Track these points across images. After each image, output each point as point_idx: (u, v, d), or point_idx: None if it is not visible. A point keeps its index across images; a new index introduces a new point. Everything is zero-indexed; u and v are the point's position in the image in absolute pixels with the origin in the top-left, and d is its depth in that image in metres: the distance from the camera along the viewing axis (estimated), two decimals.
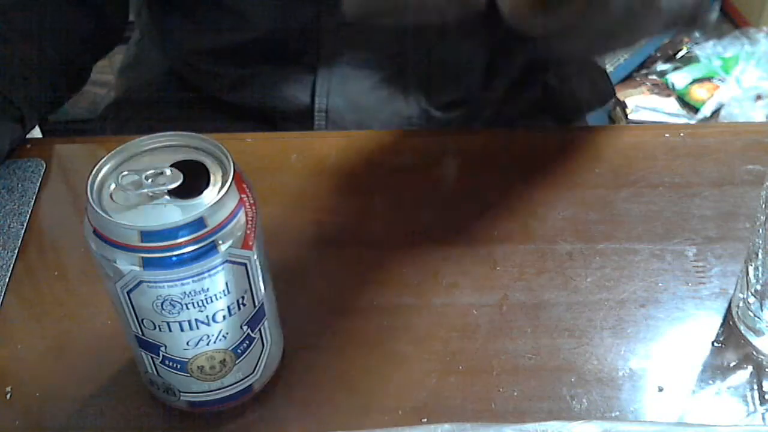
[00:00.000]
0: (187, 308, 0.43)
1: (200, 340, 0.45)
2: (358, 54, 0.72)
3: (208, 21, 0.74)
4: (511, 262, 0.57)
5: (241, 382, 0.49)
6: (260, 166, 0.64)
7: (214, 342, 0.46)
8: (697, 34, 1.86)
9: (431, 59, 0.73)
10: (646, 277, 0.56)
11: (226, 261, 0.43)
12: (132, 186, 0.42)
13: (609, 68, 1.77)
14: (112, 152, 0.44)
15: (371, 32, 0.71)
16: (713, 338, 0.53)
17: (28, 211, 0.62)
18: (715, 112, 1.76)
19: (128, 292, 0.43)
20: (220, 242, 0.42)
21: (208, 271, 0.42)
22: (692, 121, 1.75)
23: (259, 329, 0.48)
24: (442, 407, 0.50)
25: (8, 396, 0.51)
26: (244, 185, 0.44)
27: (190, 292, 0.43)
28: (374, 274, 0.57)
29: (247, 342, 0.47)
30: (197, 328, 0.45)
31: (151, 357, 0.46)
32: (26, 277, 0.58)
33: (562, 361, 0.52)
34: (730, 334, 0.53)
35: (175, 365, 0.46)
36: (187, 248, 0.41)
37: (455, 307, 0.55)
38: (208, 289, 0.43)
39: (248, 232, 0.44)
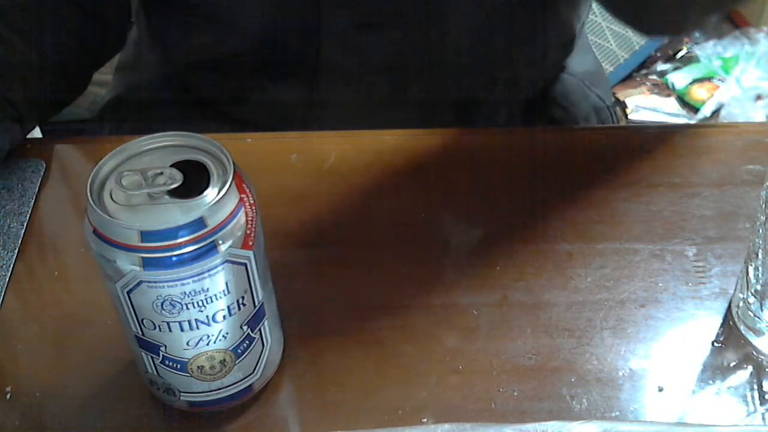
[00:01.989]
0: (187, 308, 0.43)
1: (200, 340, 0.45)
2: (357, 69, 0.73)
3: (203, 31, 0.74)
4: (511, 262, 0.57)
5: (241, 382, 0.49)
6: (260, 166, 0.64)
7: (214, 342, 0.46)
8: (697, 34, 1.86)
9: (432, 80, 0.73)
10: (646, 277, 0.56)
11: (226, 261, 0.43)
12: (132, 186, 0.42)
13: (609, 68, 1.77)
14: (112, 152, 0.44)
15: (370, 49, 0.71)
16: (713, 338, 0.53)
17: (28, 211, 0.62)
18: (715, 112, 1.76)
19: (128, 292, 0.43)
20: (220, 242, 0.42)
21: (208, 271, 0.42)
22: (692, 121, 1.75)
23: (259, 329, 0.48)
24: (442, 407, 0.50)
25: (8, 396, 0.51)
26: (244, 185, 0.44)
27: (190, 292, 0.43)
28: (374, 274, 0.57)
29: (247, 342, 0.47)
30: (197, 328, 0.45)
31: (151, 357, 0.46)
32: (26, 277, 0.58)
33: (562, 361, 0.52)
34: (730, 334, 0.53)
35: (175, 365, 0.46)
36: (187, 248, 0.41)
37: (455, 307, 0.55)
38: (208, 289, 0.43)
39: (248, 232, 0.44)
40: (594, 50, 0.93)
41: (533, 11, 0.72)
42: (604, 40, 1.80)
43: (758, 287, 0.50)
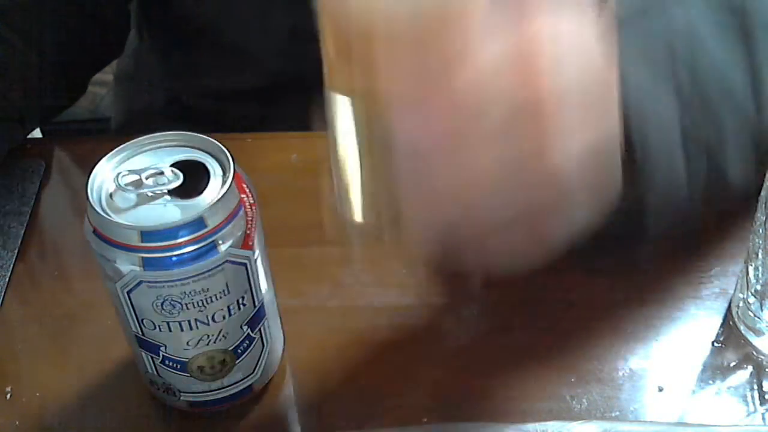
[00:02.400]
0: (187, 308, 0.43)
1: (200, 340, 0.45)
2: None
3: (209, 59, 0.74)
4: (510, 262, 0.57)
5: (241, 382, 0.49)
6: (260, 166, 0.64)
7: (214, 342, 0.46)
8: None
9: None
10: (646, 276, 0.56)
11: (226, 261, 0.43)
12: (132, 186, 0.43)
13: None
14: (112, 152, 0.44)
15: None
16: (713, 338, 0.53)
17: (28, 211, 0.62)
18: None
19: (128, 292, 0.43)
20: (220, 242, 0.42)
21: (208, 271, 0.42)
22: None
23: (259, 329, 0.48)
24: (442, 407, 0.50)
25: (8, 396, 0.51)
26: (244, 185, 0.44)
27: (190, 292, 0.43)
28: (374, 274, 0.57)
29: (247, 342, 0.47)
30: (197, 328, 0.45)
31: (151, 357, 0.46)
32: (26, 277, 0.58)
33: (562, 361, 0.52)
34: (730, 334, 0.53)
35: (175, 365, 0.46)
36: (187, 248, 0.41)
37: (455, 307, 0.55)
38: (208, 289, 0.43)
39: (248, 232, 0.44)
40: None
41: None
42: None
43: (758, 287, 0.50)
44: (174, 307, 0.43)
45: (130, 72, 0.87)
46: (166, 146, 0.45)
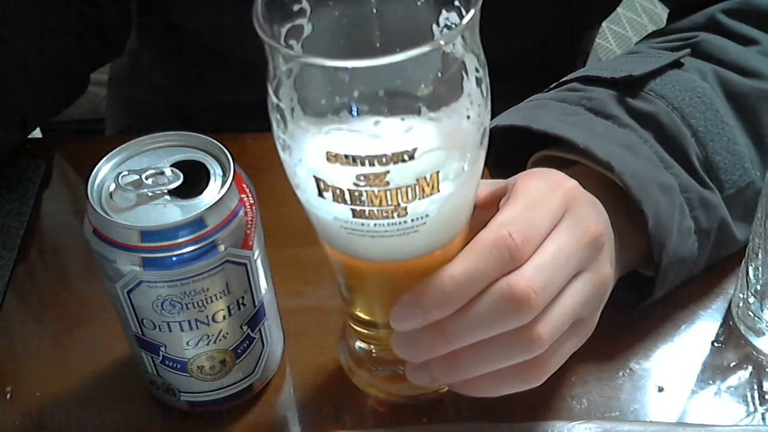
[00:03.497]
0: (187, 308, 0.43)
1: (200, 340, 0.45)
2: None
3: (211, 71, 0.74)
4: None
5: (241, 382, 0.49)
6: (260, 166, 0.63)
7: (214, 342, 0.46)
8: None
9: None
10: (646, 276, 0.56)
11: (226, 261, 0.43)
12: (132, 186, 0.43)
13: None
14: (112, 152, 0.44)
15: None
16: (713, 338, 0.53)
17: (28, 211, 0.62)
18: None
19: (128, 292, 0.43)
20: (220, 242, 0.42)
21: (208, 271, 0.42)
22: None
23: (259, 329, 0.48)
24: (443, 407, 0.50)
25: (8, 396, 0.51)
26: (244, 185, 0.44)
27: (190, 292, 0.43)
28: None
29: (247, 342, 0.47)
30: (197, 328, 0.45)
31: (151, 357, 0.46)
32: (26, 277, 0.58)
33: None
34: (730, 334, 0.53)
35: (175, 365, 0.46)
36: (187, 248, 0.41)
37: None
38: (208, 289, 0.43)
39: (248, 232, 0.44)
40: (595, 51, 0.93)
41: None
42: (604, 40, 1.80)
43: (758, 287, 0.50)
44: (174, 307, 0.43)
45: (127, 74, 0.87)
46: (166, 146, 0.45)
